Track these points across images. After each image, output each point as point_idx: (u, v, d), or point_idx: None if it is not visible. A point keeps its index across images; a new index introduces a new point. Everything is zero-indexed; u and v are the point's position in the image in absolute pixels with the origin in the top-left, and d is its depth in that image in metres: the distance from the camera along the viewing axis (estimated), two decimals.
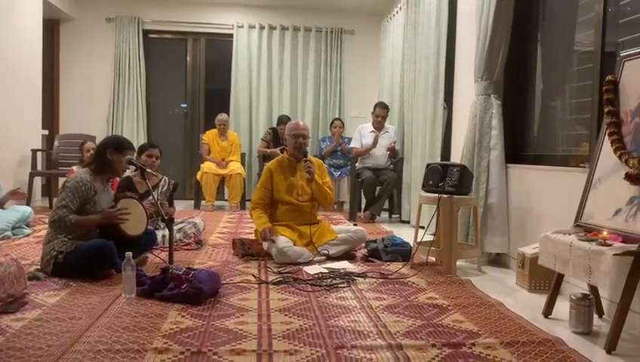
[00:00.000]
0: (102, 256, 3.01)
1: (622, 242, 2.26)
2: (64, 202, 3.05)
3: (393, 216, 6.32)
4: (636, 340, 2.36)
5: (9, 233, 4.27)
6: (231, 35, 7.62)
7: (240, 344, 2.12)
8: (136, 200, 3.36)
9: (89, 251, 2.99)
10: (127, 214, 3.17)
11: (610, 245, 2.22)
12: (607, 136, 2.59)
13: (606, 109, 2.62)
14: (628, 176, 2.34)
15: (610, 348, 2.18)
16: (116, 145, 3.28)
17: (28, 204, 5.43)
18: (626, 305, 2.17)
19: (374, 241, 3.92)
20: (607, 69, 2.87)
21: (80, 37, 7.46)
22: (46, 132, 6.81)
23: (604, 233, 2.34)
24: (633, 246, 2.15)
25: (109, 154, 3.24)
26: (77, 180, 3.11)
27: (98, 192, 3.20)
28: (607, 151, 2.58)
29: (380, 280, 3.23)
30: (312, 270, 3.38)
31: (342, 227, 4.07)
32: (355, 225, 4.53)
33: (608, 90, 2.63)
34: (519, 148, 3.88)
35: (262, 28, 7.63)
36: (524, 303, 2.87)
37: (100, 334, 2.17)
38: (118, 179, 4.05)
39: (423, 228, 3.85)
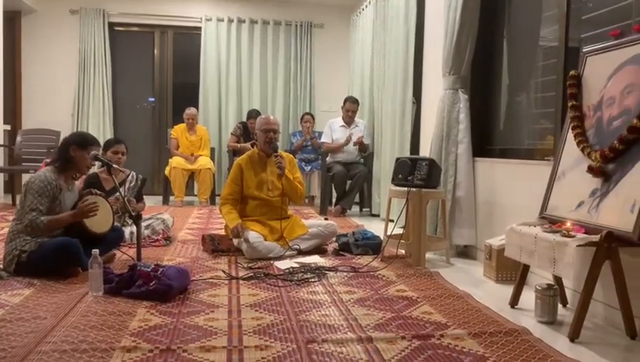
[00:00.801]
0: (67, 254, 2.95)
1: (585, 233, 2.32)
2: (32, 205, 2.98)
3: (364, 209, 6.36)
4: (598, 328, 2.43)
5: None
6: (199, 29, 7.52)
7: (210, 340, 2.11)
8: (101, 197, 3.30)
9: (54, 249, 2.93)
10: (96, 207, 3.10)
11: (573, 236, 2.28)
12: (570, 130, 2.65)
13: (569, 104, 2.68)
14: (590, 169, 2.41)
15: (573, 337, 2.24)
16: (79, 141, 3.21)
17: None
18: (589, 294, 2.23)
19: (345, 235, 3.94)
20: (570, 64, 2.93)
21: (43, 29, 7.25)
22: (8, 127, 6.61)
23: (568, 224, 2.40)
24: (595, 237, 2.21)
25: (72, 151, 3.17)
26: (41, 180, 3.03)
27: (63, 191, 3.12)
28: (570, 145, 2.64)
29: (351, 273, 3.25)
30: (283, 265, 3.37)
31: (313, 221, 4.08)
32: (325, 219, 4.53)
33: (571, 85, 2.70)
34: (486, 142, 3.95)
35: (230, 21, 7.56)
36: (491, 294, 2.92)
37: (65, 334, 2.13)
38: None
39: (392, 221, 3.88)
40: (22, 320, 2.28)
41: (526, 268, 2.70)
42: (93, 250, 2.67)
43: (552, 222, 2.57)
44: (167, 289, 2.60)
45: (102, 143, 4.48)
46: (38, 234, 2.99)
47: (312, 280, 3.07)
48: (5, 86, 6.37)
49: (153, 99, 7.83)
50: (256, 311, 2.50)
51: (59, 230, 3.10)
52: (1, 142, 6.27)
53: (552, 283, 2.62)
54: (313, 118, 7.01)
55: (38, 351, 1.95)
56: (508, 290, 2.83)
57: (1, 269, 3.00)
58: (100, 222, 3.19)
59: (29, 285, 2.82)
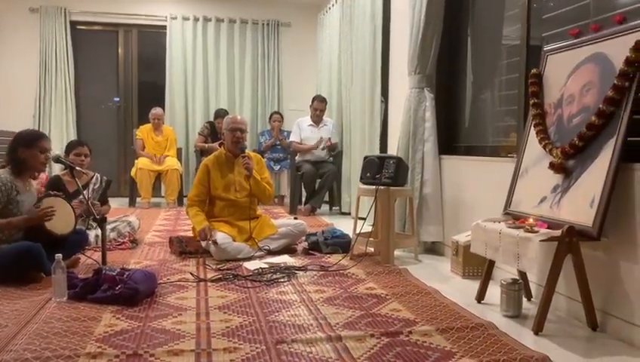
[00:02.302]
0: (28, 259, 2.87)
1: (547, 228, 2.38)
2: None
3: (333, 208, 6.37)
4: (562, 321, 2.49)
5: None
6: (164, 27, 7.41)
7: (178, 344, 2.08)
8: (61, 198, 3.21)
9: (14, 254, 2.84)
10: (52, 213, 3.02)
11: (536, 232, 2.33)
12: (532, 127, 2.71)
13: (531, 101, 2.75)
14: (552, 166, 2.47)
15: (537, 330, 2.29)
16: (25, 141, 3.11)
17: None
18: (552, 288, 2.29)
19: (314, 234, 3.94)
20: (532, 63, 2.99)
21: (1, 29, 7.03)
22: None
23: (531, 220, 2.45)
24: (557, 233, 2.27)
25: (20, 153, 3.07)
26: None
27: (20, 192, 3.04)
28: (532, 142, 2.70)
29: (321, 272, 3.25)
30: (252, 265, 3.35)
31: (282, 221, 4.07)
32: (295, 218, 4.53)
33: (533, 83, 2.76)
34: (452, 140, 4.00)
35: (196, 20, 7.47)
36: (458, 289, 2.97)
37: (28, 341, 2.07)
38: (46, 176, 3.87)
39: (363, 219, 3.90)
40: None
41: (491, 264, 2.74)
42: (57, 255, 2.60)
43: (515, 218, 2.62)
44: (133, 293, 2.56)
45: (65, 144, 4.40)
46: None
47: (282, 280, 3.06)
48: None
49: (118, 99, 7.68)
50: (225, 312, 2.48)
51: (16, 233, 3.00)
52: None
53: (517, 277, 2.68)
54: (282, 117, 6.99)
55: None
56: (474, 285, 2.88)
57: None
58: (62, 223, 3.10)
59: None
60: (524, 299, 2.68)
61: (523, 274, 2.73)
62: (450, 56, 4.01)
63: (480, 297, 2.76)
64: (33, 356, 1.93)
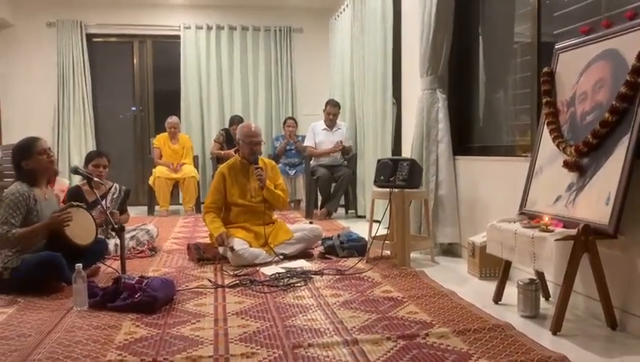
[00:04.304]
0: (50, 269, 2.93)
1: (563, 227, 2.36)
2: (3, 218, 2.94)
3: (349, 211, 6.38)
4: (580, 320, 2.47)
5: None
6: (178, 37, 7.50)
7: (196, 350, 2.11)
8: (83, 208, 3.27)
9: (36, 264, 2.90)
10: (69, 217, 3.05)
11: (551, 231, 2.32)
12: (545, 126, 2.69)
13: (544, 100, 2.73)
14: (566, 164, 2.45)
15: (555, 330, 2.28)
16: (22, 153, 3.11)
17: None
18: (569, 287, 2.27)
19: (330, 238, 3.95)
20: (544, 61, 2.98)
21: (20, 43, 7.18)
22: None
23: (546, 219, 2.44)
24: (573, 231, 2.25)
25: (25, 165, 3.11)
26: (13, 193, 3.00)
27: (39, 201, 3.09)
28: (546, 141, 2.69)
29: (337, 276, 3.27)
30: (268, 271, 3.38)
31: (297, 226, 4.09)
32: (310, 222, 4.55)
33: (545, 82, 2.74)
34: (466, 140, 3.99)
35: (209, 28, 7.55)
36: (475, 291, 2.96)
37: (50, 350, 2.12)
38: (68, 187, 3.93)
39: (378, 222, 3.91)
40: (5, 339, 2.26)
41: (508, 264, 2.73)
42: (77, 264, 2.66)
43: (531, 218, 2.61)
44: (152, 300, 2.60)
45: (84, 155, 4.48)
46: (8, 247, 2.95)
47: (298, 284, 3.08)
48: None
49: (135, 108, 7.79)
50: (243, 318, 2.50)
51: (38, 242, 3.06)
52: None
53: (534, 277, 2.66)
54: (296, 122, 7.03)
55: None
56: (492, 286, 2.86)
57: None
58: (83, 233, 3.16)
59: (12, 302, 2.80)
60: (542, 299, 2.66)
61: (540, 274, 2.71)
62: (461, 57, 4.00)
63: (497, 298, 2.74)
64: None
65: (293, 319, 2.47)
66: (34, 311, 2.65)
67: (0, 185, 5.92)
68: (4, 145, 6.49)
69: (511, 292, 2.69)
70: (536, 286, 2.53)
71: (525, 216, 2.68)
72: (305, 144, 6.35)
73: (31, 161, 3.11)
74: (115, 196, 4.16)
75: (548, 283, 2.78)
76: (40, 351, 2.11)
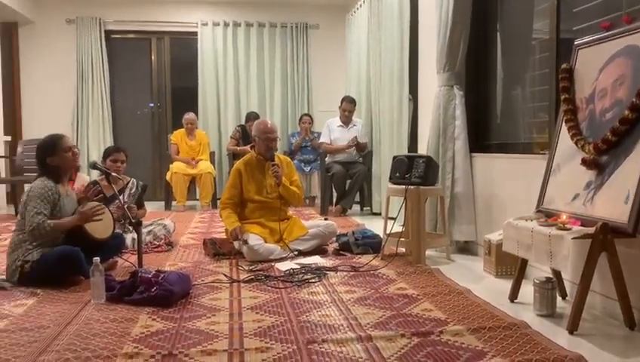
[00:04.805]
0: (69, 263, 2.97)
1: (581, 226, 2.33)
2: (36, 209, 2.99)
3: (364, 208, 6.37)
4: (597, 319, 2.44)
5: None
6: (195, 33, 7.54)
7: (211, 344, 2.12)
8: (101, 204, 3.31)
9: (56, 258, 2.94)
10: (102, 211, 3.11)
11: (569, 229, 2.29)
12: (564, 123, 2.66)
13: (562, 97, 2.70)
14: (584, 162, 2.42)
15: (572, 329, 2.25)
16: (48, 150, 3.16)
17: None
18: (586, 286, 2.24)
19: (345, 235, 3.95)
20: (563, 57, 2.94)
21: (40, 40, 7.29)
22: (9, 138, 6.65)
23: (564, 217, 2.41)
24: (591, 230, 2.22)
25: (49, 162, 3.15)
26: (41, 187, 3.05)
27: (62, 197, 3.14)
28: (564, 138, 2.65)
29: (351, 273, 3.27)
30: (283, 266, 3.39)
31: (312, 222, 4.10)
32: (325, 219, 4.55)
33: (564, 78, 2.71)
34: (483, 137, 3.96)
35: (226, 25, 7.58)
36: (491, 289, 2.94)
37: (68, 342, 2.15)
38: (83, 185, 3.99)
39: (393, 219, 3.90)
40: (25, 330, 2.30)
41: (524, 262, 2.71)
42: (95, 258, 2.70)
43: (548, 216, 2.58)
44: (168, 294, 2.62)
45: (102, 151, 4.54)
46: (43, 238, 3.00)
47: (313, 280, 3.09)
48: (5, 97, 6.41)
49: (152, 105, 7.86)
50: (257, 313, 2.52)
51: (61, 235, 3.11)
52: (3, 153, 6.30)
53: (551, 276, 2.64)
54: (311, 119, 7.03)
55: (41, 360, 1.98)
56: (507, 285, 2.84)
57: (5, 280, 3.03)
58: (101, 228, 3.20)
59: (31, 295, 2.85)
60: (559, 298, 2.64)
61: (557, 273, 2.69)
62: (479, 53, 3.97)
63: (513, 296, 2.72)
64: (73, 356, 2.01)
65: (308, 314, 2.48)
66: (53, 304, 2.69)
67: (20, 179, 6.04)
68: (25, 141, 6.60)
69: (527, 290, 2.67)
70: (552, 285, 2.50)
71: (542, 214, 2.66)
72: (320, 140, 6.36)
73: (56, 157, 3.16)
74: (132, 191, 4.21)
75: (565, 281, 2.75)
76: (58, 343, 2.14)
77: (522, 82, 3.70)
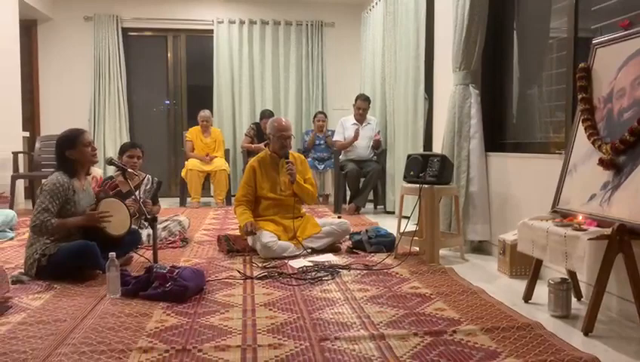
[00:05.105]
0: (85, 258, 3.01)
1: (597, 226, 2.31)
2: (44, 205, 3.03)
3: (378, 207, 6.36)
4: (613, 321, 2.42)
5: None
6: (211, 31, 7.58)
7: (225, 340, 2.14)
8: (118, 200, 3.35)
9: (72, 253, 2.98)
10: (109, 216, 3.15)
11: (585, 230, 2.27)
12: (581, 123, 2.64)
13: (579, 96, 2.67)
14: (601, 162, 2.39)
15: (587, 330, 2.23)
16: (68, 142, 3.20)
17: (11, 207, 5.39)
18: (602, 287, 2.22)
19: (358, 233, 3.95)
20: (580, 56, 2.91)
21: (58, 37, 7.38)
22: (27, 134, 6.74)
23: (580, 218, 2.39)
24: (607, 230, 2.20)
25: (69, 155, 3.19)
26: (53, 182, 3.09)
27: (77, 192, 3.18)
28: (581, 138, 2.63)
29: (364, 271, 3.27)
30: (296, 264, 3.40)
31: (326, 220, 4.10)
32: (339, 217, 4.56)
33: (581, 78, 2.68)
34: (498, 137, 3.93)
35: (242, 23, 7.61)
36: (505, 289, 2.92)
37: (84, 335, 2.18)
38: (101, 178, 4.03)
39: (407, 218, 3.89)
40: (42, 323, 2.34)
41: (539, 263, 2.69)
42: (110, 253, 2.73)
43: (563, 216, 2.56)
44: (182, 290, 2.65)
45: (119, 147, 4.59)
46: (44, 234, 3.04)
47: (326, 278, 3.09)
48: (23, 93, 6.49)
49: (168, 102, 7.92)
50: (270, 309, 2.53)
51: (73, 233, 3.15)
52: (21, 149, 6.39)
53: (566, 277, 2.61)
54: (326, 117, 7.03)
55: (57, 352, 2.01)
56: (522, 285, 2.82)
57: (22, 273, 3.08)
58: (117, 224, 3.24)
59: (49, 288, 2.89)
60: (574, 299, 2.61)
61: (572, 274, 2.66)
62: (495, 52, 3.94)
63: (527, 297, 2.70)
64: (89, 349, 2.03)
65: (320, 312, 2.49)
66: (69, 298, 2.73)
67: (38, 175, 6.12)
68: (43, 137, 6.69)
69: (542, 291, 2.65)
70: (567, 286, 2.48)
71: (558, 214, 2.64)
72: (334, 139, 6.36)
73: (75, 151, 3.20)
74: (147, 187, 4.25)
75: (580, 283, 2.73)
76: (74, 336, 2.17)
77: (539, 81, 3.66)
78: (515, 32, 3.86)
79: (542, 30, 3.63)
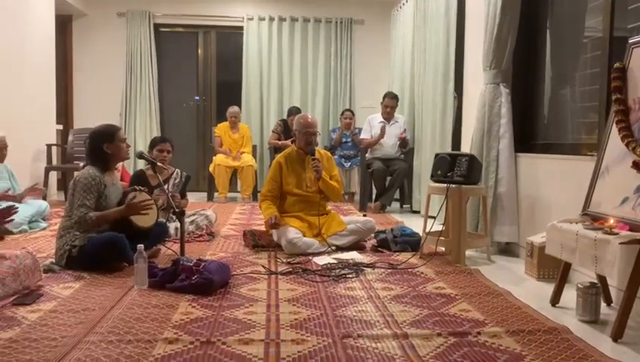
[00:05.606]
0: (114, 249, 3.07)
1: (629, 230, 2.25)
2: (80, 201, 3.11)
3: (404, 206, 6.33)
4: None
5: (26, 227, 4.35)
6: (241, 28, 7.64)
7: (248, 333, 2.16)
8: (146, 193, 3.41)
9: (101, 244, 3.05)
10: (150, 205, 3.21)
11: (616, 234, 2.22)
12: (614, 124, 2.57)
13: (614, 97, 2.60)
14: (635, 165, 2.34)
15: (616, 336, 2.18)
16: (108, 137, 3.27)
17: (44, 199, 5.52)
18: (633, 293, 2.17)
19: (383, 232, 3.94)
20: (616, 56, 2.84)
21: (92, 32, 7.53)
22: (60, 127, 6.91)
23: (611, 221, 2.34)
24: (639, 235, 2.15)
25: (107, 149, 3.26)
26: (86, 177, 3.16)
27: (107, 186, 3.25)
28: (614, 140, 2.57)
29: (389, 270, 3.25)
30: (321, 260, 3.41)
31: (351, 218, 4.10)
32: (364, 215, 4.55)
33: (616, 78, 2.61)
34: (528, 137, 3.86)
35: (272, 20, 7.64)
36: (532, 292, 2.88)
37: (112, 325, 2.23)
38: (129, 173, 4.11)
39: (433, 218, 3.85)
40: (72, 312, 2.40)
41: (567, 266, 2.64)
42: (139, 245, 2.78)
43: (594, 219, 2.50)
44: (208, 283, 2.68)
45: (149, 141, 4.67)
46: (86, 229, 3.12)
47: (350, 276, 3.09)
48: (57, 87, 6.64)
49: (198, 97, 8.01)
50: (294, 305, 2.54)
51: (106, 225, 3.22)
52: (54, 141, 6.55)
53: (596, 281, 2.56)
54: (353, 114, 7.02)
55: (86, 341, 2.05)
56: (549, 288, 2.77)
57: (54, 263, 3.16)
58: (145, 217, 3.29)
59: (78, 278, 2.96)
60: (603, 304, 2.56)
61: (602, 278, 2.60)
62: (527, 50, 3.87)
63: (555, 300, 2.66)
64: (116, 338, 2.08)
65: (344, 309, 2.49)
66: (98, 288, 2.79)
67: (71, 167, 6.27)
68: (75, 130, 6.84)
69: (570, 295, 2.60)
70: (596, 291, 2.43)
71: (588, 217, 2.58)
72: (361, 137, 6.34)
73: (113, 145, 3.28)
74: (176, 181, 4.31)
75: (610, 287, 2.67)
76: (103, 325, 2.22)
77: (572, 81, 3.59)
78: (548, 30, 3.79)
79: (576, 29, 3.55)
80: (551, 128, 3.79)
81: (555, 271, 3.05)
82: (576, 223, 2.51)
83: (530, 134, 3.88)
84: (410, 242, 3.80)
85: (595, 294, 2.42)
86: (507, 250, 3.88)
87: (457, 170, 3.52)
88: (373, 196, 6.15)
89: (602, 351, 2.02)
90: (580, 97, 3.48)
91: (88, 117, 7.31)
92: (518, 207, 3.75)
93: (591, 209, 2.62)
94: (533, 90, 3.89)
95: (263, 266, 3.26)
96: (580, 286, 2.45)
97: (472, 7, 4.55)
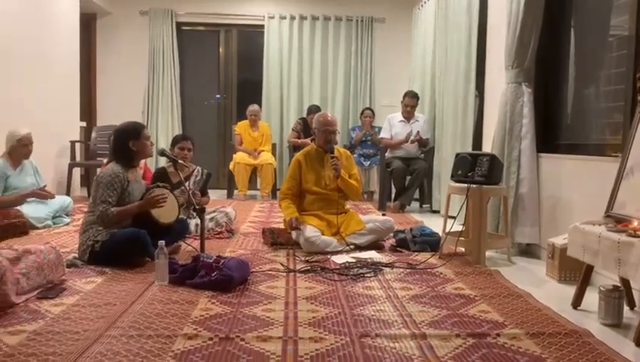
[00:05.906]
0: (136, 245, 3.12)
1: None
2: (102, 198, 3.17)
3: (424, 205, 6.29)
4: None
5: (49, 222, 4.43)
6: (262, 26, 7.66)
7: (267, 331, 2.18)
8: (167, 190, 3.45)
9: (123, 240, 3.10)
10: (164, 199, 3.26)
11: None
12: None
13: (639, 97, 2.56)
14: None
15: (639, 341, 2.15)
16: (134, 134, 3.34)
17: (67, 194, 5.63)
18: None
19: (402, 231, 3.92)
20: None
21: (116, 30, 7.63)
22: (84, 124, 7.01)
23: (635, 224, 2.30)
24: None
25: (132, 146, 3.32)
26: (109, 174, 3.22)
27: (131, 183, 3.30)
28: (639, 140, 2.52)
29: (408, 270, 3.24)
30: (339, 259, 3.41)
31: (370, 217, 4.09)
32: (383, 214, 4.54)
33: None
34: (551, 137, 3.81)
35: (292, 18, 7.66)
36: (553, 294, 2.84)
37: (132, 320, 2.26)
38: (151, 170, 4.16)
39: (453, 218, 3.83)
40: (94, 306, 2.44)
41: (589, 268, 2.60)
42: (160, 241, 2.81)
43: (618, 221, 2.46)
44: (227, 279, 2.70)
45: (171, 139, 4.72)
46: (108, 224, 3.17)
47: (368, 275, 3.09)
48: (82, 85, 6.75)
49: (219, 96, 8.07)
50: (312, 303, 2.55)
51: (127, 220, 3.27)
52: (78, 138, 6.65)
53: (618, 284, 2.52)
54: (373, 113, 7.00)
55: (107, 335, 2.09)
56: (571, 291, 2.73)
57: (76, 258, 3.21)
58: (166, 213, 3.34)
59: (100, 273, 3.01)
60: (626, 308, 2.51)
61: (625, 281, 2.56)
62: (550, 50, 3.82)
63: (576, 303, 2.62)
64: (137, 333, 2.11)
65: (362, 308, 2.49)
66: (119, 283, 2.83)
67: (94, 163, 6.36)
68: (99, 127, 6.95)
69: (592, 298, 2.56)
70: (619, 294, 2.39)
71: (612, 219, 2.54)
72: (381, 136, 6.31)
73: (138, 142, 3.34)
74: (197, 179, 4.35)
75: (633, 291, 2.62)
76: (124, 320, 2.26)
77: (596, 81, 3.53)
78: (572, 29, 3.74)
79: (601, 27, 3.49)
80: (574, 128, 3.73)
81: (577, 273, 3.00)
82: (599, 225, 2.47)
83: (552, 134, 3.83)
84: (429, 242, 3.78)
85: (618, 297, 2.38)
86: (528, 251, 3.83)
87: (478, 169, 3.49)
88: (393, 195, 6.13)
89: (625, 356, 1.99)
90: (605, 97, 3.43)
91: (111, 114, 7.39)
92: (540, 207, 3.70)
93: (614, 211, 2.58)
94: (556, 90, 3.84)
95: (281, 264, 3.28)
96: (602, 289, 2.42)
97: (494, 5, 4.50)
